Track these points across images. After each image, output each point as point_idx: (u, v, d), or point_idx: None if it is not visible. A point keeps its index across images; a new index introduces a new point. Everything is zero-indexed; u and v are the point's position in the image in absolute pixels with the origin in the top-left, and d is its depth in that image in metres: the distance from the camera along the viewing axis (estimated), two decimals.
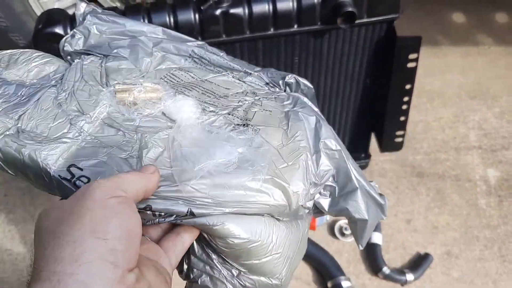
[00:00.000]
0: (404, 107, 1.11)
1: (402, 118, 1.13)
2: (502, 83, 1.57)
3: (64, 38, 0.68)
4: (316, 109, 0.60)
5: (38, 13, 1.30)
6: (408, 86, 1.07)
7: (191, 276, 0.53)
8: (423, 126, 1.47)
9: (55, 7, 1.24)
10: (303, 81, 0.64)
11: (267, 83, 0.64)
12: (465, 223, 1.32)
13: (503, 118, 1.49)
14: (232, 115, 0.57)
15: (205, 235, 0.50)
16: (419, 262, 1.24)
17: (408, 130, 1.45)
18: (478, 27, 1.78)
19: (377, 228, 1.27)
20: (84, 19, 0.69)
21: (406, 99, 1.10)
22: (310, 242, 1.24)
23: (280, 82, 0.64)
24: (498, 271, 1.26)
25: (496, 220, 1.32)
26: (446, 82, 1.58)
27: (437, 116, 1.50)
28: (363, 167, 1.33)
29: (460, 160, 1.41)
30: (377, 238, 1.26)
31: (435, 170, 1.40)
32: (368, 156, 1.32)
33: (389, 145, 1.19)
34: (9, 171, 0.55)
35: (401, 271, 1.22)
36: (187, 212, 0.47)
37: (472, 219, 1.32)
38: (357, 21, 0.96)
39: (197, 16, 0.94)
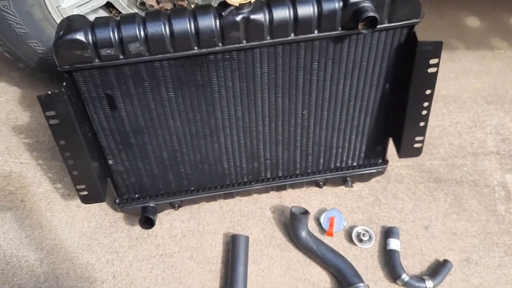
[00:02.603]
0: (424, 112, 1.10)
1: (422, 124, 1.12)
2: None
3: None
4: None
5: (57, 20, 1.31)
6: (428, 92, 1.06)
7: None
8: (439, 131, 1.46)
9: (75, 13, 1.24)
10: None
11: None
12: (484, 230, 1.30)
13: None
14: None
15: None
16: (438, 269, 1.23)
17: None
18: (493, 31, 1.77)
19: (395, 234, 1.26)
20: None
21: (426, 104, 1.09)
22: (328, 248, 1.23)
23: None
24: None
25: None
26: (461, 86, 1.57)
27: (453, 121, 1.49)
28: (380, 173, 1.32)
29: (478, 166, 1.40)
30: (395, 244, 1.25)
31: (452, 176, 1.38)
32: (385, 162, 1.31)
33: (408, 151, 1.18)
34: None
35: (420, 278, 1.21)
36: None
37: (491, 225, 1.31)
38: (378, 26, 0.96)
39: (217, 22, 0.94)
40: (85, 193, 1.12)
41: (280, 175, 1.29)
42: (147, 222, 1.23)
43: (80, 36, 0.93)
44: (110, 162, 1.15)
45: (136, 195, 1.25)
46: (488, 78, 1.59)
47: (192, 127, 1.12)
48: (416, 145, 1.17)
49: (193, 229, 1.31)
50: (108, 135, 1.10)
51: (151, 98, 1.04)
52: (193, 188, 1.27)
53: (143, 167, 1.18)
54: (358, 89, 1.11)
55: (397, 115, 1.14)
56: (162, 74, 1.00)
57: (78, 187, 1.10)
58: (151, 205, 1.26)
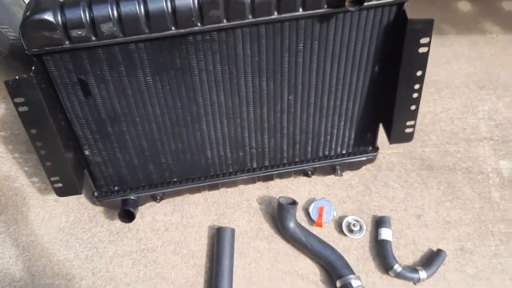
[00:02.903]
0: (415, 95, 1.05)
1: (413, 107, 1.07)
2: (511, 71, 1.51)
3: None
4: None
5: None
6: (419, 73, 1.01)
7: None
8: (431, 117, 1.42)
9: None
10: None
11: None
12: (479, 217, 1.26)
13: None
14: None
15: None
16: (431, 259, 1.18)
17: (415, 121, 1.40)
18: (485, 16, 1.72)
19: (387, 224, 1.21)
20: None
21: (417, 86, 1.04)
22: (317, 239, 1.18)
23: None
24: None
25: (511, 214, 1.27)
26: (453, 72, 1.53)
27: (445, 107, 1.44)
28: (370, 161, 1.27)
29: (471, 152, 1.36)
30: (386, 234, 1.20)
31: (445, 163, 1.34)
32: (375, 149, 1.26)
33: (399, 136, 1.13)
34: None
35: (413, 268, 1.16)
36: None
37: (485, 213, 1.26)
38: (365, 4, 0.91)
39: (196, 0, 0.88)
40: (60, 185, 1.06)
41: (267, 164, 1.23)
42: (127, 216, 1.17)
43: (48, 16, 0.86)
44: (87, 152, 1.09)
45: (116, 188, 1.19)
46: (480, 63, 1.55)
47: (172, 114, 1.06)
48: (407, 130, 1.12)
49: (177, 222, 1.25)
50: (83, 123, 1.04)
51: (127, 83, 0.98)
52: (175, 180, 1.21)
53: (121, 158, 1.12)
54: (346, 71, 1.05)
55: (387, 99, 1.09)
56: (138, 57, 0.94)
57: (52, 178, 1.04)
58: (132, 197, 1.20)
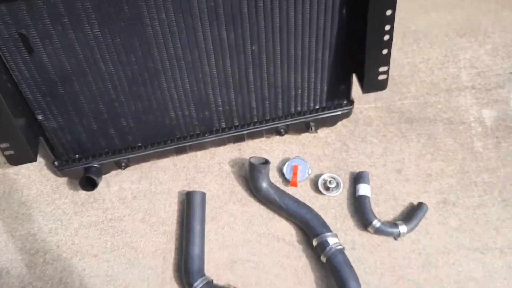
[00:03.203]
0: (386, 37, 0.98)
1: (385, 51, 1.00)
2: (493, 18, 1.44)
3: None
4: None
5: None
6: (389, 12, 0.94)
7: None
8: (409, 69, 1.35)
9: None
10: None
11: None
12: (461, 169, 1.20)
13: (497, 55, 1.37)
14: None
15: None
16: (412, 213, 1.13)
17: (394, 73, 1.34)
18: None
19: (365, 179, 1.16)
20: None
21: (387, 28, 0.96)
22: (292, 199, 1.12)
23: None
24: (500, 217, 1.15)
25: (495, 163, 1.21)
26: (432, 21, 1.45)
27: (424, 57, 1.37)
28: (346, 115, 1.21)
29: (452, 102, 1.29)
30: (365, 189, 1.14)
31: (425, 115, 1.28)
32: (351, 103, 1.19)
33: (372, 84, 1.06)
34: None
35: (393, 223, 1.11)
36: None
37: (468, 164, 1.21)
38: None
39: None
40: (11, 152, 0.99)
41: (236, 124, 1.17)
42: (89, 183, 1.11)
43: None
44: (40, 117, 1.02)
45: (77, 156, 1.12)
46: (460, 10, 1.47)
47: (127, 71, 0.98)
48: (381, 77, 1.05)
49: (145, 190, 1.19)
50: (32, 84, 0.96)
51: (74, 38, 0.90)
52: (139, 144, 1.14)
53: (79, 122, 1.05)
54: (312, 16, 0.98)
55: (358, 45, 1.02)
56: (82, 6, 0.86)
57: (1, 145, 0.97)
58: (95, 165, 1.14)
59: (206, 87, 1.06)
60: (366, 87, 1.06)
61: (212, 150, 1.23)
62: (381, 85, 1.06)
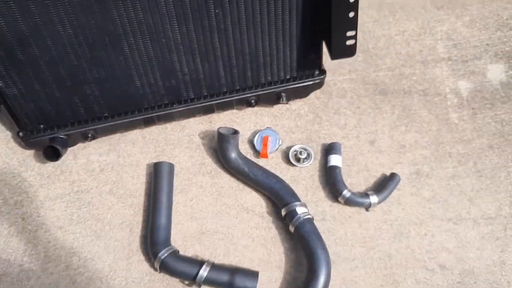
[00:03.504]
0: None
1: (351, 14, 0.98)
2: None
3: None
4: None
5: None
6: None
7: None
8: (385, 41, 1.32)
9: None
10: None
11: None
12: (436, 140, 1.18)
13: (474, 27, 1.34)
14: None
15: None
16: (384, 183, 1.11)
17: (369, 46, 1.31)
18: None
19: (336, 150, 1.13)
20: None
21: None
22: (261, 169, 1.10)
23: None
24: (474, 187, 1.12)
25: (470, 134, 1.18)
26: None
27: (400, 30, 1.34)
28: (318, 85, 1.19)
29: (428, 74, 1.27)
30: (336, 160, 1.12)
31: (400, 86, 1.25)
32: (322, 72, 1.17)
33: (340, 50, 1.03)
34: None
35: (364, 194, 1.09)
36: None
37: (443, 135, 1.18)
38: None
39: None
40: None
41: (205, 94, 1.14)
42: (54, 153, 1.08)
43: None
44: None
45: (41, 126, 1.10)
46: None
47: (87, 35, 0.96)
48: (349, 42, 1.02)
49: (113, 162, 1.16)
50: None
51: None
52: (106, 115, 1.12)
53: (41, 90, 1.03)
54: None
55: (325, 9, 0.99)
56: None
57: None
58: (60, 136, 1.11)
59: (170, 53, 1.03)
60: (334, 54, 1.04)
61: (182, 122, 1.21)
62: (350, 51, 1.04)
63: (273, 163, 1.15)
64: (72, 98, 1.06)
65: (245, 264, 1.05)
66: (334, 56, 1.04)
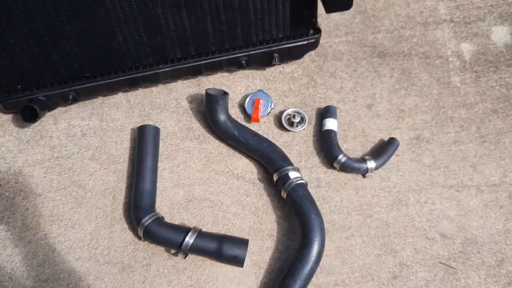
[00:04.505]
0: None
1: None
2: None
3: None
4: None
5: None
6: None
7: None
8: (383, 2, 1.25)
9: None
10: None
11: None
12: (437, 104, 1.12)
13: None
14: None
15: None
16: (382, 149, 1.05)
17: (367, 7, 1.25)
18: None
19: (332, 114, 1.07)
20: None
21: None
22: (251, 133, 1.04)
23: None
24: (477, 153, 1.06)
25: (473, 98, 1.12)
26: None
27: None
28: (312, 46, 1.12)
29: (429, 36, 1.20)
30: (331, 124, 1.06)
31: (399, 49, 1.19)
32: (317, 31, 1.10)
33: (335, 2, 0.97)
34: None
35: (361, 159, 1.03)
36: None
37: (444, 99, 1.12)
38: None
39: None
40: None
41: (193, 53, 1.08)
42: (31, 114, 1.02)
43: None
44: None
45: (19, 86, 1.04)
46: None
47: None
48: None
49: (95, 127, 1.10)
50: None
51: None
52: (87, 75, 1.05)
53: (17, 45, 0.96)
54: None
55: None
56: None
57: None
58: (39, 97, 1.05)
59: (154, 5, 0.96)
60: (329, 6, 0.97)
61: (169, 85, 1.14)
62: (346, 4, 0.97)
63: (265, 128, 1.09)
64: (51, 55, 0.99)
65: (234, 232, 0.99)
66: (329, 8, 0.97)
